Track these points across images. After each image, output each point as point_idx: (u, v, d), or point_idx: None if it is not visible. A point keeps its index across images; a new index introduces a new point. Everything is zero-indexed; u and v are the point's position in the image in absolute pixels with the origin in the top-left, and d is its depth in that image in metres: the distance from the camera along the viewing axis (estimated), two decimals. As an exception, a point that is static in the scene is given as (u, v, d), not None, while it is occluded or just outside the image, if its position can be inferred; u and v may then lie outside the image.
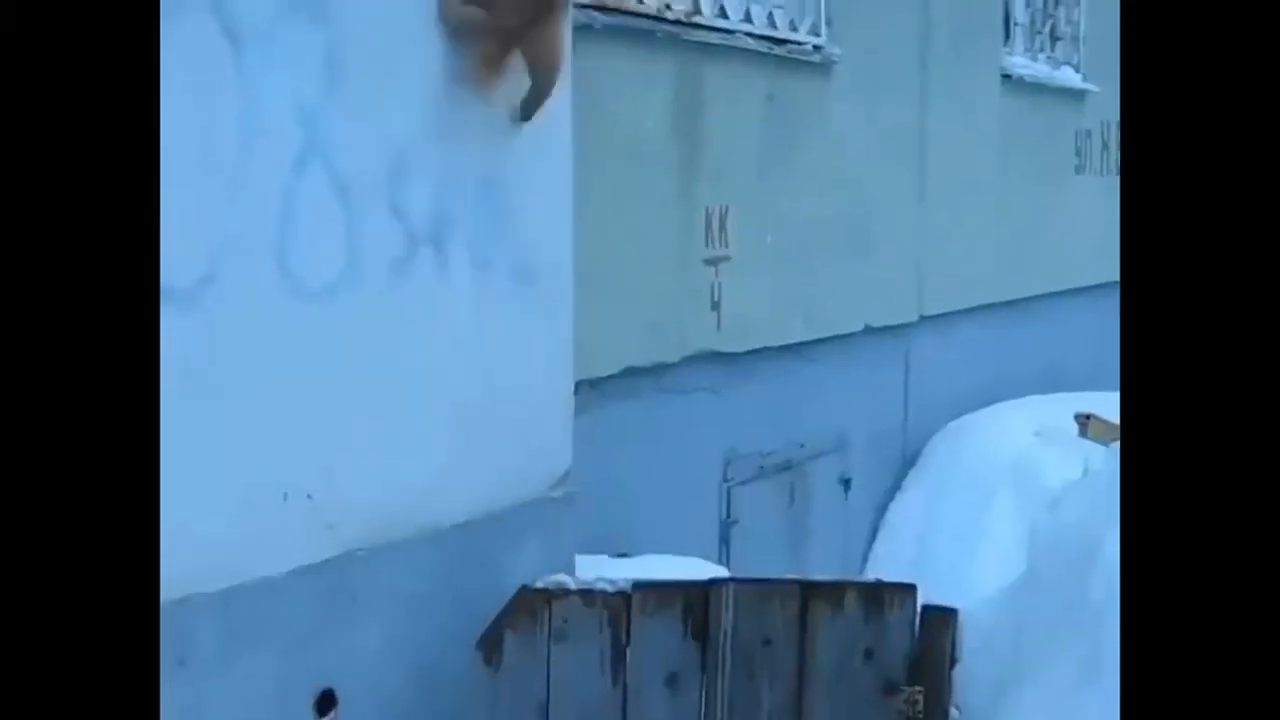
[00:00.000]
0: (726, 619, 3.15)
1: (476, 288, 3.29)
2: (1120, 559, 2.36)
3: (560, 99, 3.41)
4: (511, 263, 3.38)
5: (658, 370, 4.68)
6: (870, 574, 5.24)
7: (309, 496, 2.89)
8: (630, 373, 4.51)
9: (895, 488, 6.19)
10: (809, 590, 3.17)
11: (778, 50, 5.17)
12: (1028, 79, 7.08)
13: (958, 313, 6.48)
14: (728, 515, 5.09)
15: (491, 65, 3.26)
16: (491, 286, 3.33)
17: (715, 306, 4.93)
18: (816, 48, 5.39)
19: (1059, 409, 6.00)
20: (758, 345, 5.16)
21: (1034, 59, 7.30)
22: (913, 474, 6.24)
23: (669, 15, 4.64)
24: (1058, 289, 7.41)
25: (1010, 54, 6.97)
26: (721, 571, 3.81)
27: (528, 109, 3.33)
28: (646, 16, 4.53)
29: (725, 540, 5.07)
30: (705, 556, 4.33)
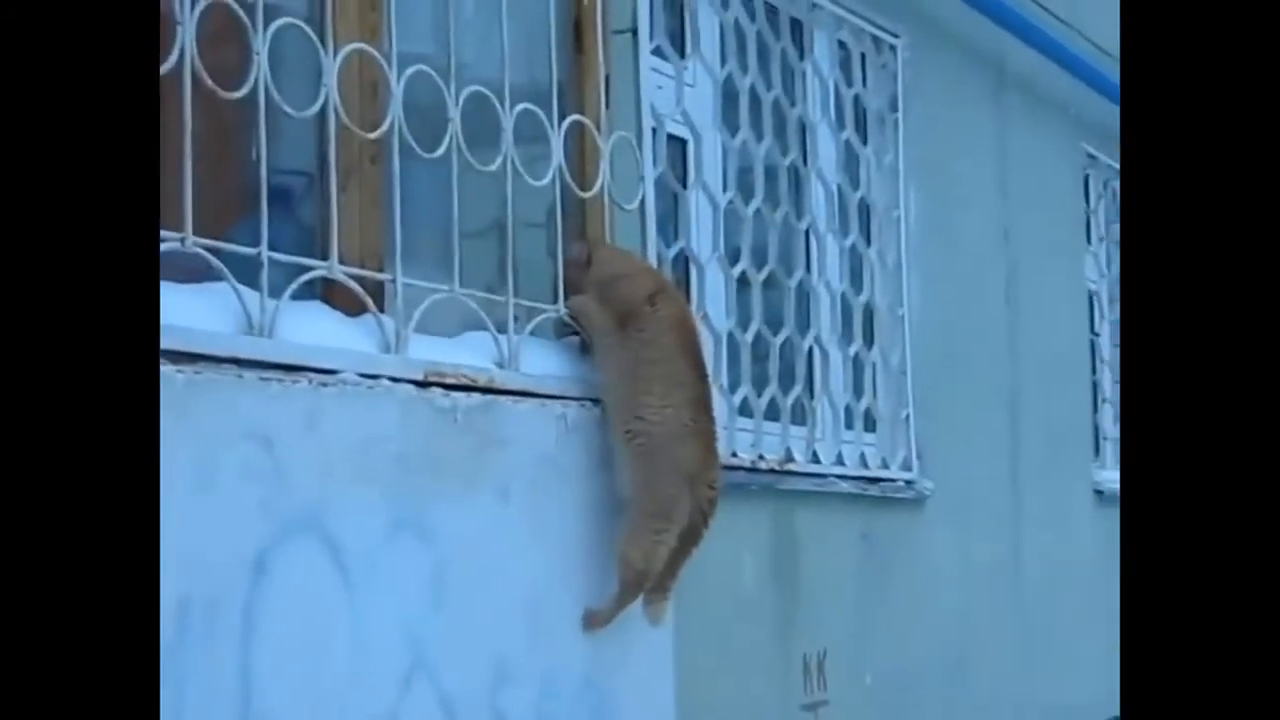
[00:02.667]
0: None
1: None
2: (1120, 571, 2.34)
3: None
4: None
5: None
6: None
7: None
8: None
9: None
10: None
11: (870, 490, 5.22)
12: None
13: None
14: None
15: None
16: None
17: (816, 753, 4.87)
18: (909, 483, 5.45)
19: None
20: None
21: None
22: None
23: (762, 465, 4.73)
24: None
25: (1101, 468, 7.01)
26: None
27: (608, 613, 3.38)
28: (742, 469, 4.61)
29: None
30: None
